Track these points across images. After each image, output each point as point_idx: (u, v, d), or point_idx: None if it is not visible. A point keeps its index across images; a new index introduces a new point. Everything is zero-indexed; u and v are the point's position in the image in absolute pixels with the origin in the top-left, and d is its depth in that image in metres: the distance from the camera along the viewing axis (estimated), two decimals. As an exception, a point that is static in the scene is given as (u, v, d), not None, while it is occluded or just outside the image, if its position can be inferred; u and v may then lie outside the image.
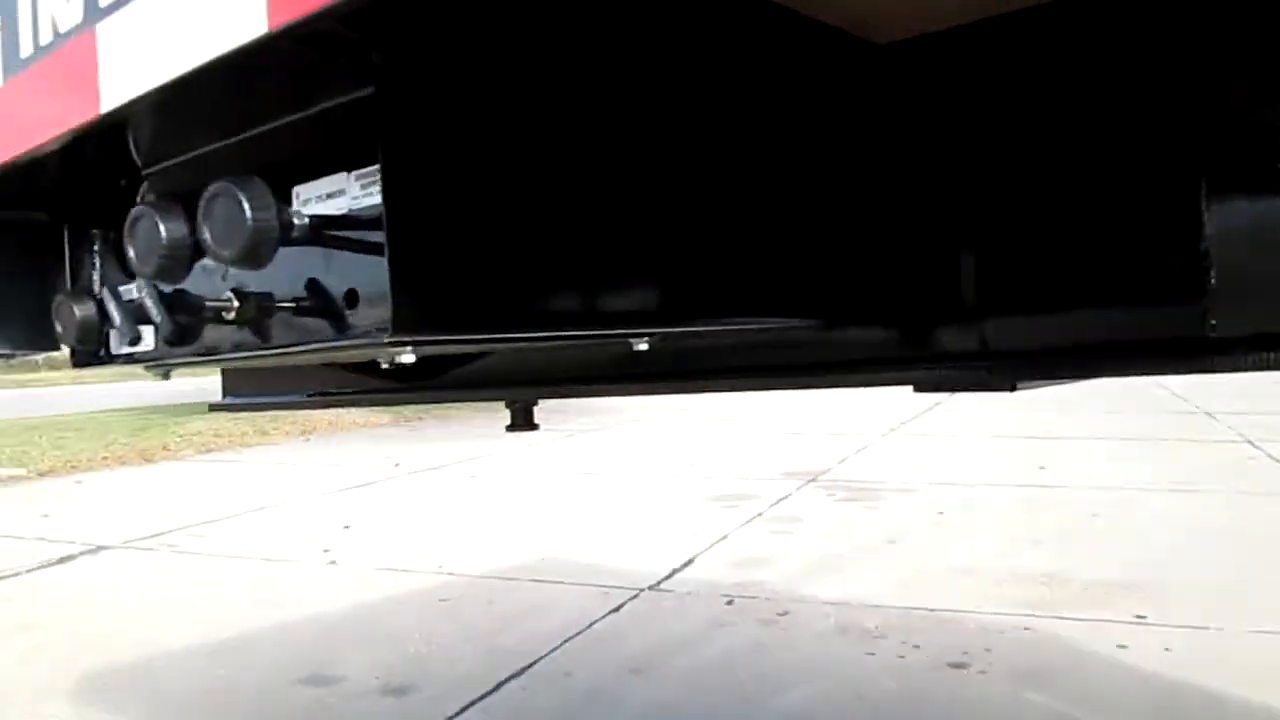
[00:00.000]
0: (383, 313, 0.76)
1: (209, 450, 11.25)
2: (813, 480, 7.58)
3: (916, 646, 3.73)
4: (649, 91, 0.91)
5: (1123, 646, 3.65)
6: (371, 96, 0.66)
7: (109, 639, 4.20)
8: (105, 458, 10.72)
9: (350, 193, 0.80)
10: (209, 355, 0.97)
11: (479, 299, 0.81)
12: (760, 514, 6.40)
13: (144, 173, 0.99)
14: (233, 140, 0.80)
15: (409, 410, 14.64)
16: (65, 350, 1.34)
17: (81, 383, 33.07)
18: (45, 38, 0.79)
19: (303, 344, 0.84)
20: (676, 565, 5.09)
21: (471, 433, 11.51)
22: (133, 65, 0.70)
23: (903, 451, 9.03)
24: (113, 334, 1.07)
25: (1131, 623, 3.92)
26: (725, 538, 5.72)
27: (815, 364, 1.12)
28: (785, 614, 4.22)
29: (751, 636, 3.96)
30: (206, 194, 0.75)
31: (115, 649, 4.05)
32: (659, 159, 0.93)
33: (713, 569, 5.03)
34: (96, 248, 1.12)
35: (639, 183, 0.93)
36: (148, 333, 0.99)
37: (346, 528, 6.47)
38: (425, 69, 0.73)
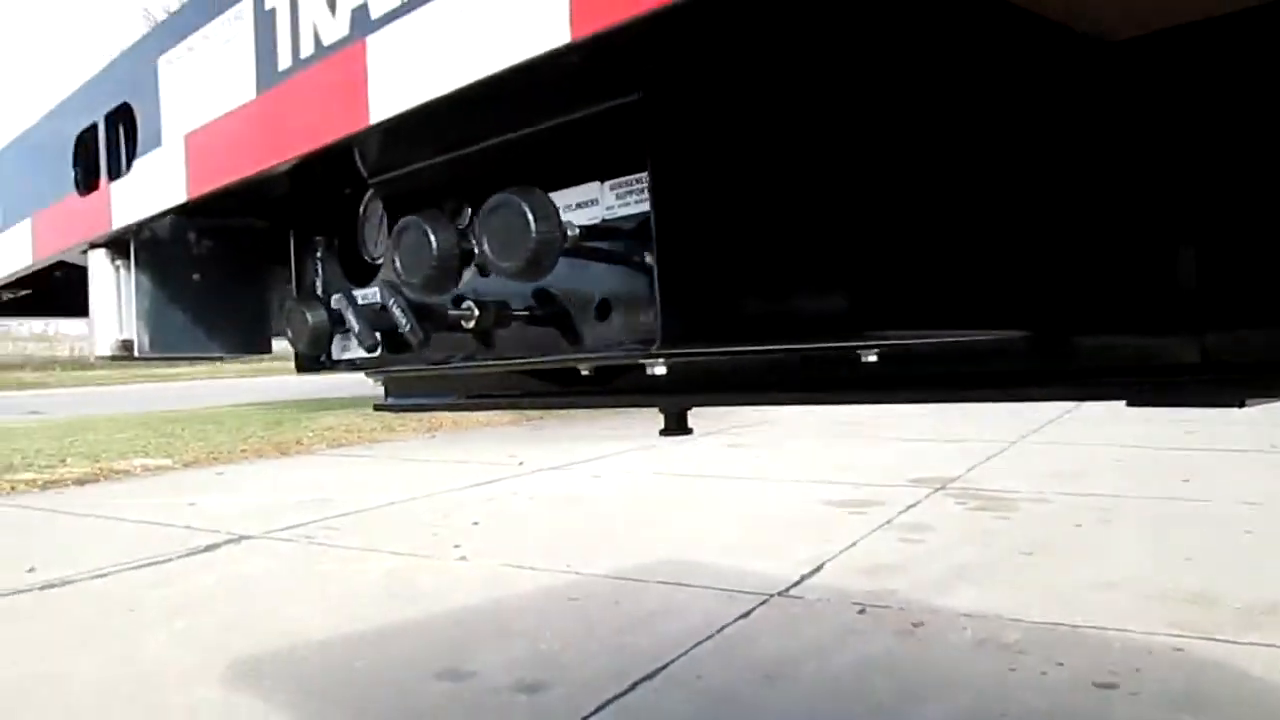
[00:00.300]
0: (643, 324, 0.75)
1: (339, 445, 11.62)
2: (941, 488, 7.39)
3: (1060, 664, 3.59)
4: (873, 96, 0.89)
5: (1286, 673, 3.45)
6: (638, 103, 0.65)
7: (253, 626, 4.36)
8: (244, 450, 11.17)
9: (604, 202, 0.80)
10: (438, 364, 0.99)
11: (736, 310, 0.80)
12: (889, 521, 6.27)
13: (371, 180, 1.02)
14: (473, 149, 0.81)
15: (533, 411, 14.87)
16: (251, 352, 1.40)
17: (207, 377, 34.61)
18: (307, 50, 0.81)
19: (555, 354, 0.84)
20: (805, 571, 5.03)
21: (594, 434, 11.62)
22: (408, 77, 0.72)
23: (1033, 460, 8.74)
24: (337, 340, 1.10)
25: (1295, 648, 3.70)
26: (854, 544, 5.63)
27: (1027, 374, 1.08)
28: (920, 625, 4.12)
29: (885, 647, 3.88)
30: (487, 205, 0.76)
31: (260, 636, 4.20)
32: (889, 165, 0.91)
33: (843, 576, 4.95)
34: (320, 254, 1.16)
35: (874, 190, 0.91)
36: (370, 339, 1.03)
37: (475, 524, 6.59)
38: (690, 77, 0.72)
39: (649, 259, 0.74)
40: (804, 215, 0.87)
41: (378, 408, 1.77)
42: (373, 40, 0.75)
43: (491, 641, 4.07)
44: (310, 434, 12.25)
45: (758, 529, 6.22)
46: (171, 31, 1.01)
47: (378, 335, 0.99)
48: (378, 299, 1.00)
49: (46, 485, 9.01)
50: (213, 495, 8.25)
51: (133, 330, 1.27)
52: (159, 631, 4.33)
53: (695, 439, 9.71)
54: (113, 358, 1.29)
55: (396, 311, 0.94)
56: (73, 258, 1.32)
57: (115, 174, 1.14)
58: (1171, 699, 3.25)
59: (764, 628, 4.16)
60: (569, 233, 0.75)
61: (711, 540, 5.83)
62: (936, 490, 7.31)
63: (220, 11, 0.92)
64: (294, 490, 8.41)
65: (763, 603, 4.49)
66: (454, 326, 0.91)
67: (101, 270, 1.27)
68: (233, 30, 0.91)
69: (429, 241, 0.83)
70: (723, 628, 4.13)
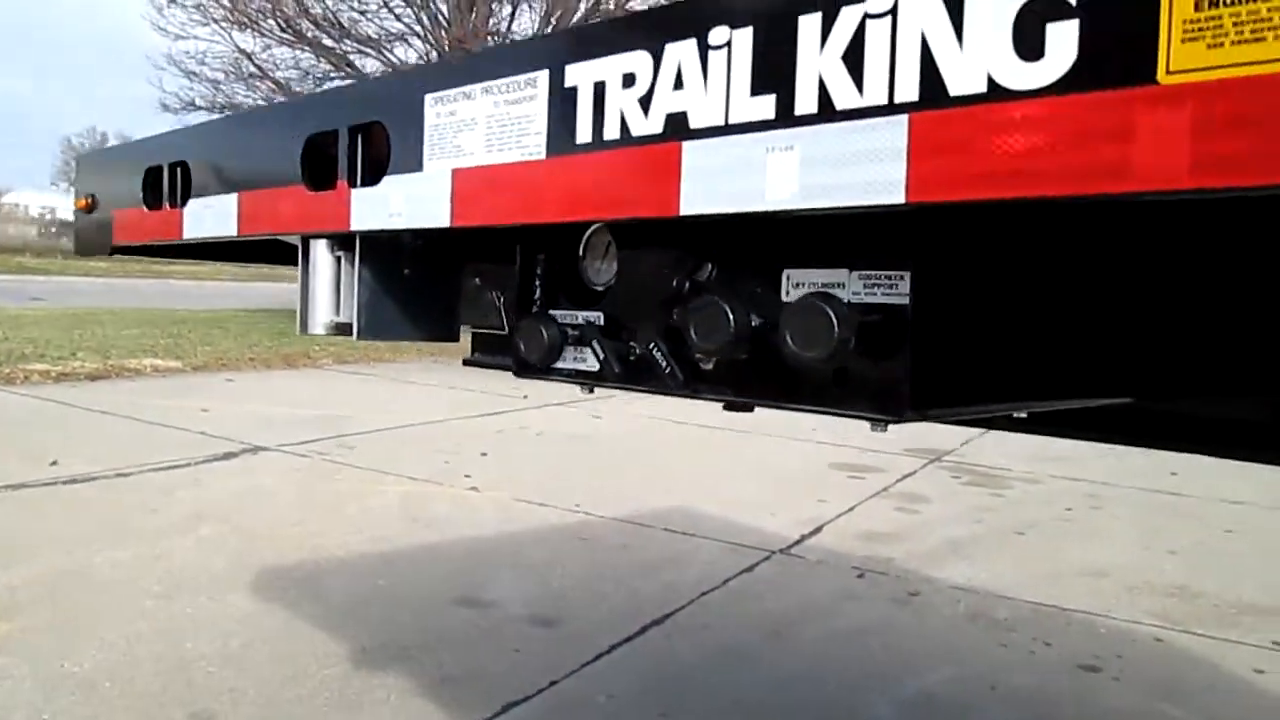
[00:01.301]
0: (881, 395, 0.91)
1: (345, 361, 11.77)
2: (936, 460, 7.58)
3: (1048, 644, 3.79)
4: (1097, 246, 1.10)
5: (1259, 671, 3.65)
6: (909, 212, 0.78)
7: (276, 538, 4.54)
8: (251, 359, 11.31)
9: (850, 287, 0.95)
10: (661, 390, 1.14)
11: (966, 383, 0.98)
12: (886, 489, 6.46)
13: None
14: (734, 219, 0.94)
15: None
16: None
17: (208, 278, 34.57)
18: (611, 133, 0.96)
19: (788, 402, 0.99)
20: (806, 531, 5.22)
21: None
22: (722, 187, 0.86)
23: (1025, 439, 8.91)
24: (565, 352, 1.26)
25: (1269, 649, 3.90)
26: (852, 510, 5.81)
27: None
28: (916, 594, 4.32)
29: (883, 614, 4.07)
30: (794, 303, 0.93)
31: (283, 548, 4.38)
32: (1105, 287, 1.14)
33: (841, 540, 5.14)
34: (541, 272, 1.29)
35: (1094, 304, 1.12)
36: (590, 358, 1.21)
37: (484, 455, 6.77)
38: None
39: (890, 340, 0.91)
40: (1030, 319, 1.07)
41: (466, 362, 1.90)
42: (688, 146, 0.90)
43: (506, 573, 4.25)
44: (316, 347, 12.38)
45: (760, 484, 6.40)
46: (444, 75, 1.18)
47: (617, 366, 1.15)
48: (598, 322, 1.17)
49: (60, 378, 9.14)
50: (225, 403, 8.40)
51: (350, 313, 1.42)
52: (185, 536, 4.50)
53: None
54: (326, 335, 1.45)
55: (657, 355, 1.10)
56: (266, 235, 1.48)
57: (356, 181, 1.28)
58: (1151, 686, 3.45)
59: (767, 584, 4.35)
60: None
61: (716, 492, 6.01)
62: (931, 462, 7.50)
63: (507, 74, 1.08)
64: (304, 404, 8.56)
65: (765, 559, 4.67)
66: (690, 361, 1.07)
67: (323, 259, 1.42)
68: (524, 93, 1.06)
69: (727, 320, 0.97)
70: (727, 580, 4.32)
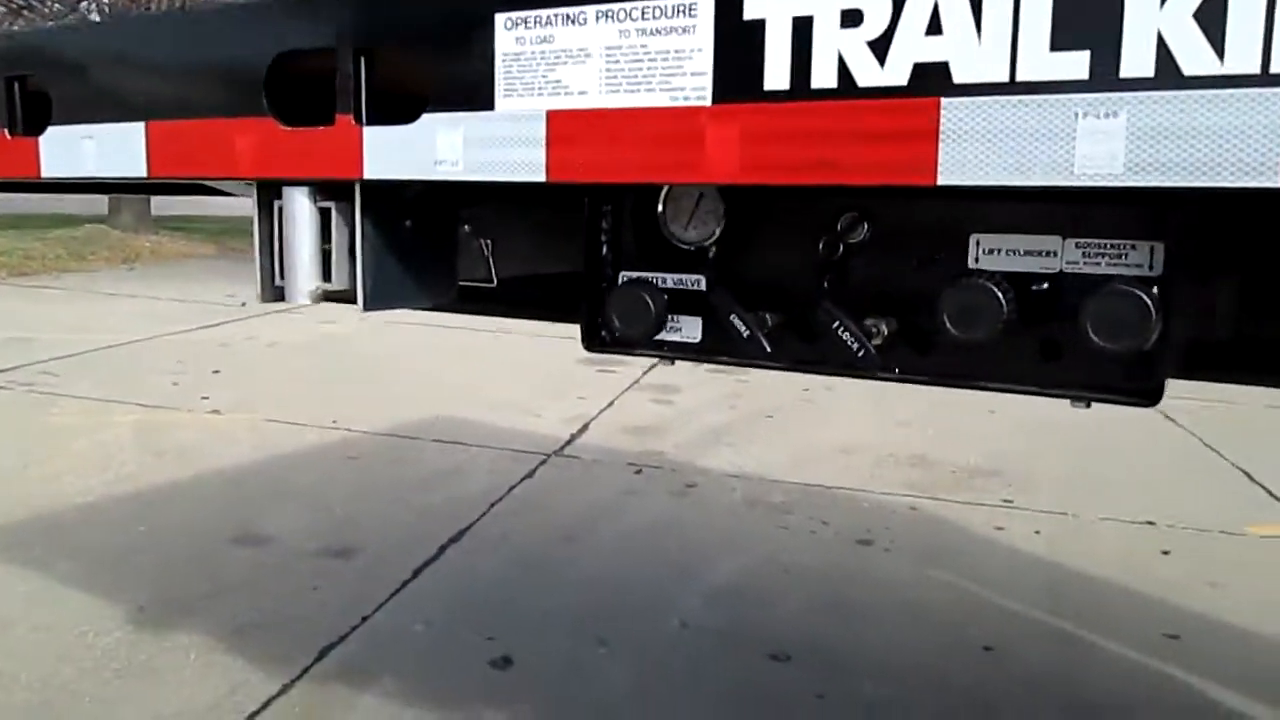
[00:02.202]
0: (1107, 372, 0.85)
1: (23, 274, 10.43)
2: (676, 348, 7.82)
3: (824, 523, 4.05)
4: None
5: (1000, 529, 4.09)
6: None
7: (1, 487, 4.00)
8: (-101, 274, 9.78)
9: (1065, 256, 0.88)
10: (809, 367, 1.03)
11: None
12: (638, 381, 6.60)
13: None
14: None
15: (234, 240, 13.95)
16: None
17: None
18: (866, 80, 0.80)
19: (996, 381, 0.91)
20: (574, 431, 5.25)
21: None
22: (1000, 158, 0.74)
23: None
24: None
25: (1001, 506, 4.38)
26: (613, 404, 5.91)
27: None
28: (693, 486, 4.47)
29: (667, 508, 4.19)
30: (1106, 291, 0.85)
31: (13, 499, 3.86)
32: None
33: (609, 436, 5.21)
34: (612, 226, 1.13)
35: None
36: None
37: (216, 373, 6.26)
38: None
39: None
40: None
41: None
42: (949, 106, 0.76)
43: (278, 504, 3.98)
44: (-22, 256, 10.88)
45: (515, 385, 6.35)
46: None
47: (765, 341, 1.02)
48: (699, 287, 1.03)
49: None
50: (-120, 328, 7.23)
51: (345, 279, 1.18)
52: (-121, 494, 3.87)
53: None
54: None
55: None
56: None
57: (364, 118, 1.04)
58: (918, 554, 3.78)
59: (550, 488, 4.35)
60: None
61: (476, 397, 5.90)
62: (673, 350, 7.73)
63: None
64: (-18, 326, 7.52)
65: (542, 463, 4.66)
66: (851, 336, 0.97)
67: (303, 212, 1.15)
68: (674, 22, 0.87)
69: (1000, 305, 0.88)
70: (512, 488, 4.27)
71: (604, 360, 7.08)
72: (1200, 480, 4.85)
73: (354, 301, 1.22)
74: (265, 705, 2.49)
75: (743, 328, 1.09)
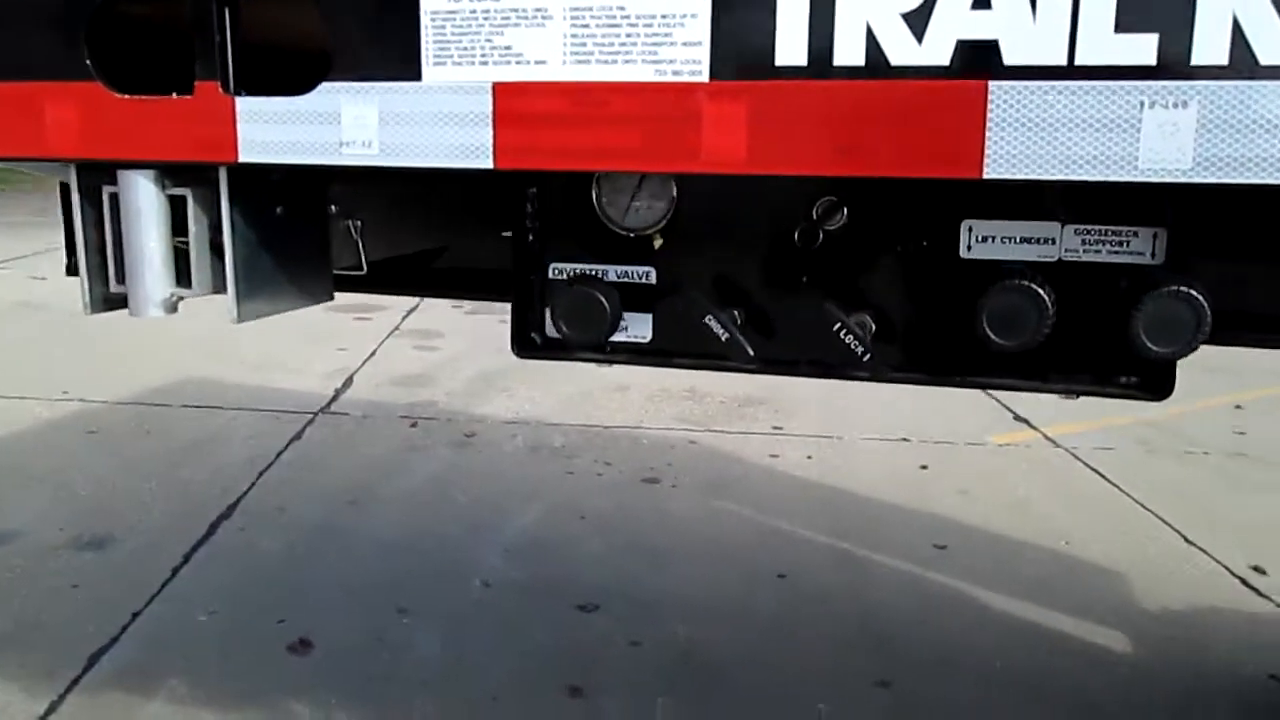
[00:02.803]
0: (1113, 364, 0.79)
1: None
2: (432, 289, 7.59)
3: (608, 463, 4.07)
4: None
5: (774, 456, 4.26)
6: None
7: None
8: None
9: (1065, 244, 0.84)
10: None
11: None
12: (397, 328, 6.36)
13: None
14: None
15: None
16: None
17: None
18: (898, 58, 0.68)
19: (998, 378, 0.84)
20: (338, 385, 4.99)
21: (27, 220, 9.92)
22: (1053, 150, 0.65)
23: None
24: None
25: (773, 434, 4.56)
26: (374, 355, 5.66)
27: None
28: (472, 435, 4.36)
29: (450, 460, 4.07)
30: (1161, 294, 0.78)
31: None
32: None
33: (377, 389, 5.00)
34: (536, 210, 0.95)
35: None
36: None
37: (-95, 343, 5.47)
38: None
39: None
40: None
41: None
42: (996, 90, 0.67)
43: (15, 494, 3.54)
44: None
45: (267, 339, 5.92)
46: None
47: (746, 344, 0.89)
48: (649, 280, 0.90)
49: None
50: None
51: (206, 283, 0.94)
52: None
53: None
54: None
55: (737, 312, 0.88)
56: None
57: (233, 86, 0.82)
58: (703, 487, 3.87)
59: (323, 449, 4.11)
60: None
61: (221, 354, 5.45)
62: (429, 292, 7.49)
63: None
64: None
65: (310, 422, 4.40)
66: (827, 333, 0.86)
67: (148, 201, 0.90)
68: None
69: (1045, 308, 0.81)
70: (280, 453, 4.01)
71: (358, 306, 6.76)
72: (943, 398, 5.24)
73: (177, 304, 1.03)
74: (34, 728, 2.22)
75: (720, 330, 0.99)
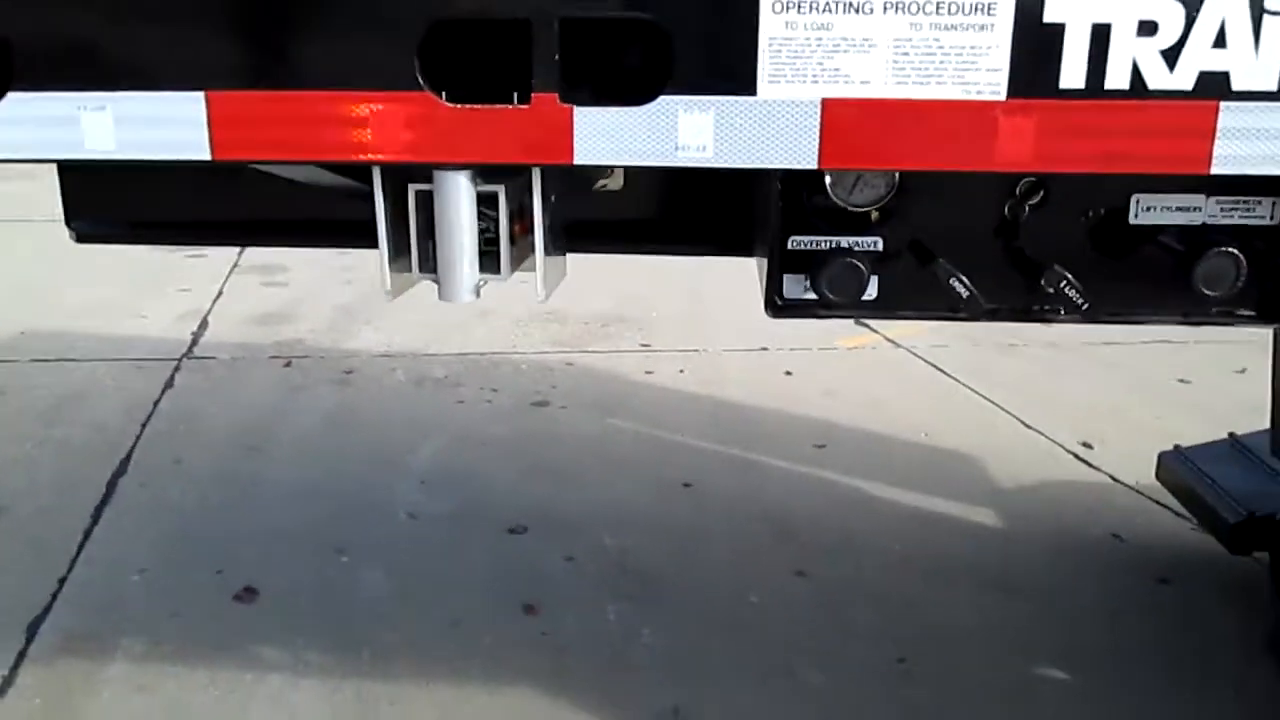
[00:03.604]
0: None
1: None
2: (258, 221, 7.32)
3: (495, 390, 4.17)
4: None
5: (650, 372, 4.48)
6: None
7: None
8: None
9: (1207, 211, 1.04)
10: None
11: None
12: (237, 264, 6.13)
13: None
14: None
15: None
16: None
17: None
18: (1156, 83, 0.88)
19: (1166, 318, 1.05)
20: (194, 328, 4.84)
21: None
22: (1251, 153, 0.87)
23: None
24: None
25: (642, 351, 4.77)
26: (223, 293, 5.48)
27: None
28: (351, 372, 4.35)
29: (335, 398, 4.06)
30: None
31: None
32: None
33: (235, 329, 4.87)
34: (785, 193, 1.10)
35: None
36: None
37: None
38: None
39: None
40: None
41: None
42: (1226, 110, 0.89)
43: None
44: None
45: (99, 282, 5.60)
46: None
47: (981, 299, 1.05)
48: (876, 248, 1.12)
49: None
50: None
51: (509, 267, 1.00)
52: None
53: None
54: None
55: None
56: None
57: (577, 96, 0.93)
58: (591, 407, 4.04)
59: (199, 395, 4.02)
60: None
61: (59, 303, 5.14)
62: (256, 224, 7.23)
63: None
64: None
65: (177, 369, 4.28)
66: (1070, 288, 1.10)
67: (465, 199, 0.95)
68: (970, 20, 0.89)
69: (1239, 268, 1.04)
70: (156, 402, 3.90)
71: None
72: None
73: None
74: (-6, 702, 2.19)
75: (962, 289, 1.16)
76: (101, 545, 2.86)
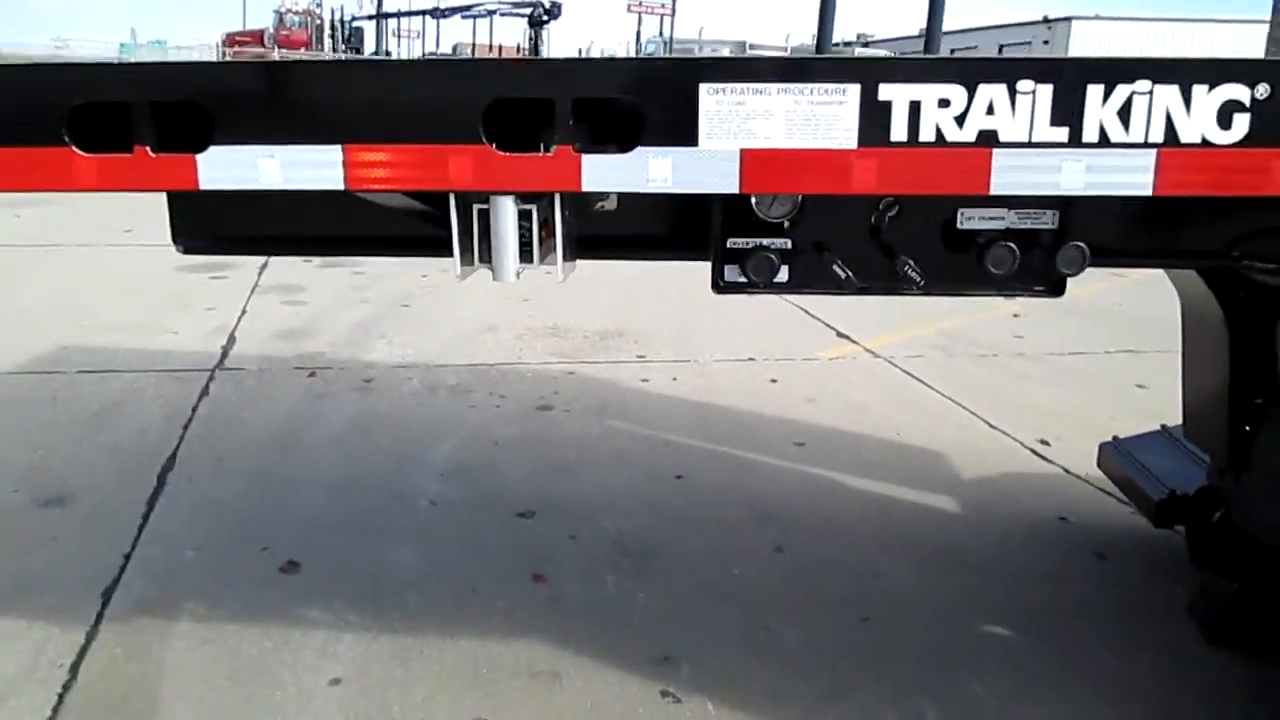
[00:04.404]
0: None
1: None
2: (274, 245, 7.70)
3: (503, 396, 4.55)
4: None
5: (645, 380, 4.85)
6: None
7: None
8: None
9: (1008, 220, 1.55)
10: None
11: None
12: (256, 284, 6.53)
13: None
14: None
15: None
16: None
17: None
18: (927, 136, 1.33)
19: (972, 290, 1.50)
20: (223, 343, 5.21)
21: None
22: (1022, 180, 1.33)
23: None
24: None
25: (638, 362, 5.15)
26: (246, 312, 5.85)
27: None
28: (370, 380, 4.73)
29: (358, 404, 4.44)
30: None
31: None
32: None
33: (261, 344, 5.24)
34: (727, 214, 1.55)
35: None
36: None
37: None
38: None
39: None
40: None
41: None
42: (996, 153, 1.31)
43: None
44: None
45: (127, 301, 6.01)
46: (723, 72, 1.36)
47: (853, 279, 1.57)
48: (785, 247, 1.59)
49: None
50: None
51: (535, 258, 1.50)
52: None
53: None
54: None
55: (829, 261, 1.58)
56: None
57: (582, 147, 1.36)
58: (592, 411, 4.41)
59: (234, 403, 4.39)
60: None
61: (94, 317, 5.54)
62: (273, 248, 7.62)
63: (812, 80, 1.33)
64: None
65: (211, 379, 4.65)
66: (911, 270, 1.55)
67: (508, 213, 1.45)
68: (832, 99, 1.31)
69: (1014, 256, 1.49)
70: (194, 408, 4.27)
71: (210, 265, 6.88)
72: (774, 321, 5.97)
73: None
74: (80, 655, 2.53)
75: (840, 272, 1.59)
76: (158, 528, 3.22)
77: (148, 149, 1.41)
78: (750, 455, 3.96)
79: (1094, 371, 5.29)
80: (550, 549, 3.15)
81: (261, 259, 7.19)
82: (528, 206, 1.53)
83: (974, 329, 5.86)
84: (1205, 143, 1.34)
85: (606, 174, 1.42)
